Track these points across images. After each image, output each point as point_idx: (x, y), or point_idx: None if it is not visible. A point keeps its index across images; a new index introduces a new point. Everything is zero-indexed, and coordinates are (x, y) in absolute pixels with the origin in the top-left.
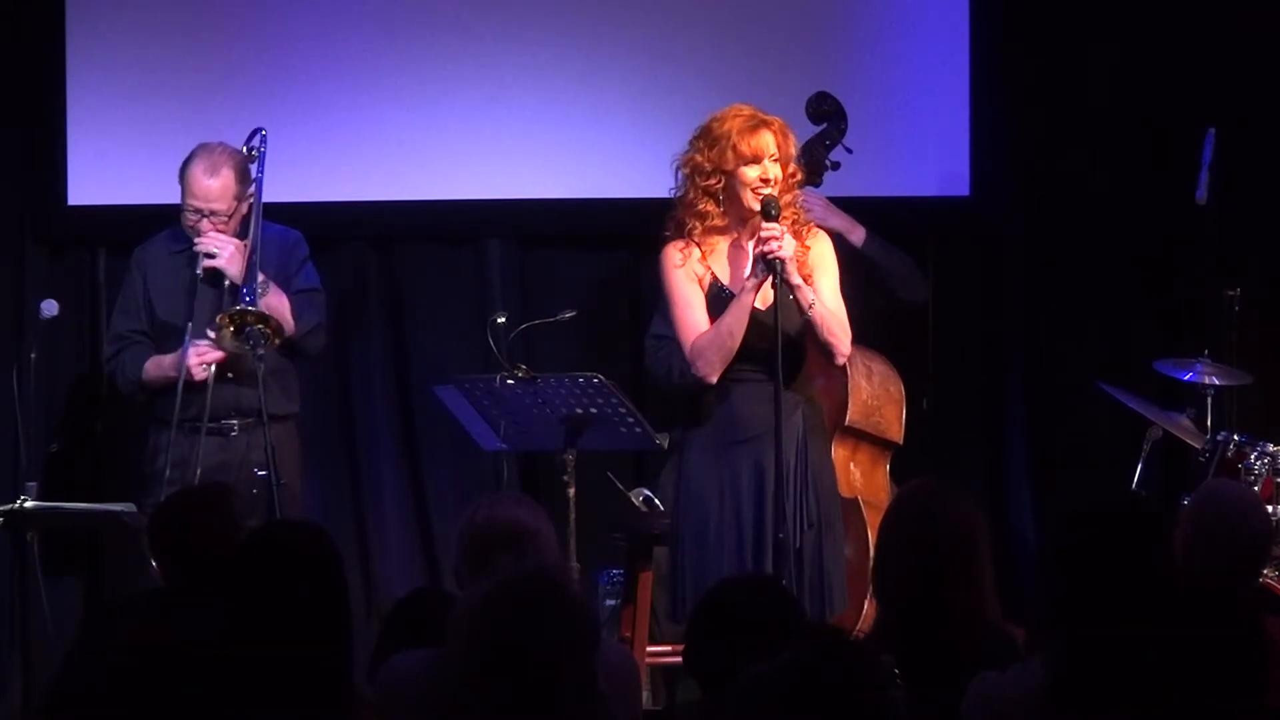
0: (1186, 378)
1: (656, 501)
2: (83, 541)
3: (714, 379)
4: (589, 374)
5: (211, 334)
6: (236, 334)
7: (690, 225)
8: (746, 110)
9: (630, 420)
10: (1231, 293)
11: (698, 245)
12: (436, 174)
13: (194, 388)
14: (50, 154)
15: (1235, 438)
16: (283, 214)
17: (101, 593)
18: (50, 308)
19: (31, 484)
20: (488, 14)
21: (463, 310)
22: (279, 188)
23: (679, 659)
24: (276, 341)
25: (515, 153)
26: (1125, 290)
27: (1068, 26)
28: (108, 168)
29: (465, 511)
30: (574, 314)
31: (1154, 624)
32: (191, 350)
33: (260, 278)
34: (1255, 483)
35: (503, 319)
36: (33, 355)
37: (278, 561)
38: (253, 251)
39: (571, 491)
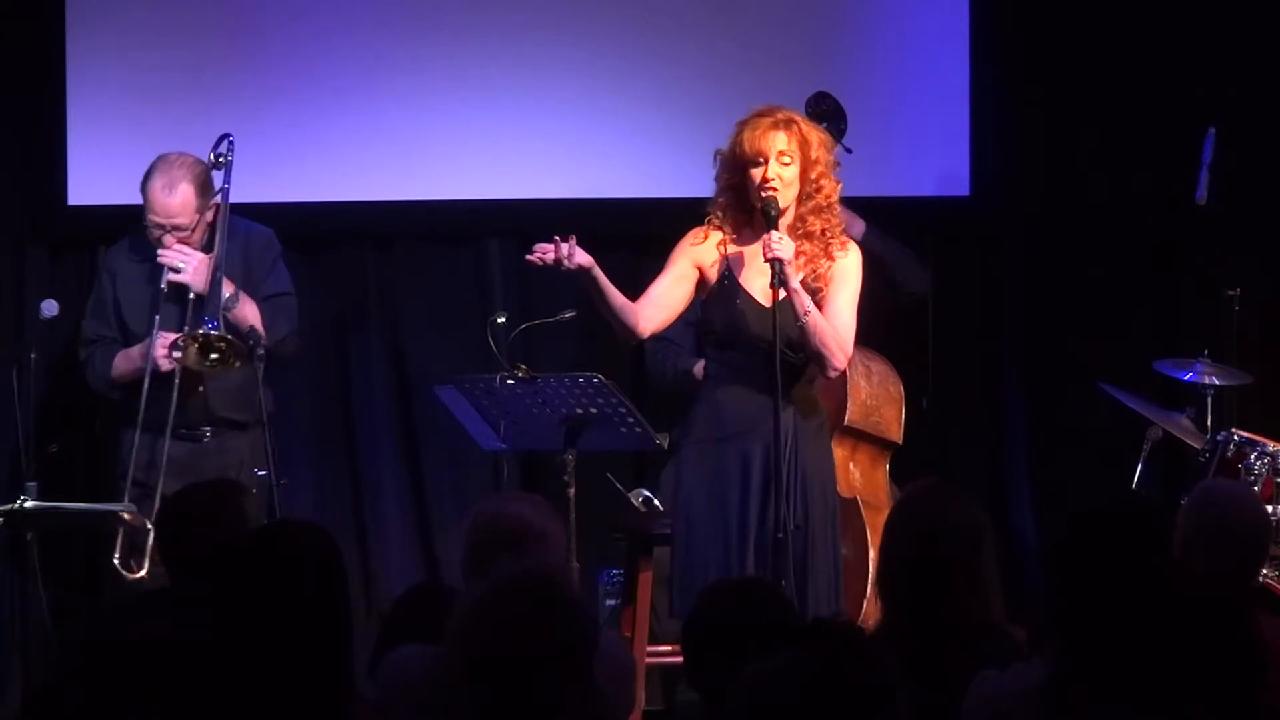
0: (1186, 378)
1: (656, 502)
2: (83, 541)
3: (625, 340)
4: (589, 374)
5: (178, 353)
6: (201, 351)
7: (711, 215)
8: (773, 111)
9: (630, 420)
10: (1231, 293)
11: (719, 236)
12: (436, 174)
13: (162, 385)
14: (50, 154)
15: (1235, 438)
16: (283, 214)
17: (101, 593)
18: (50, 308)
19: (31, 484)
20: (488, 14)
21: (463, 310)
22: (280, 187)
23: (679, 659)
24: (236, 364)
25: (515, 153)
26: (1125, 290)
27: (1068, 26)
28: (108, 168)
29: (473, 508)
30: (574, 314)
31: (1153, 624)
32: (158, 339)
33: (230, 290)
34: (1255, 483)
35: (503, 319)
36: (33, 355)
37: (279, 561)
38: (217, 267)
39: (571, 491)
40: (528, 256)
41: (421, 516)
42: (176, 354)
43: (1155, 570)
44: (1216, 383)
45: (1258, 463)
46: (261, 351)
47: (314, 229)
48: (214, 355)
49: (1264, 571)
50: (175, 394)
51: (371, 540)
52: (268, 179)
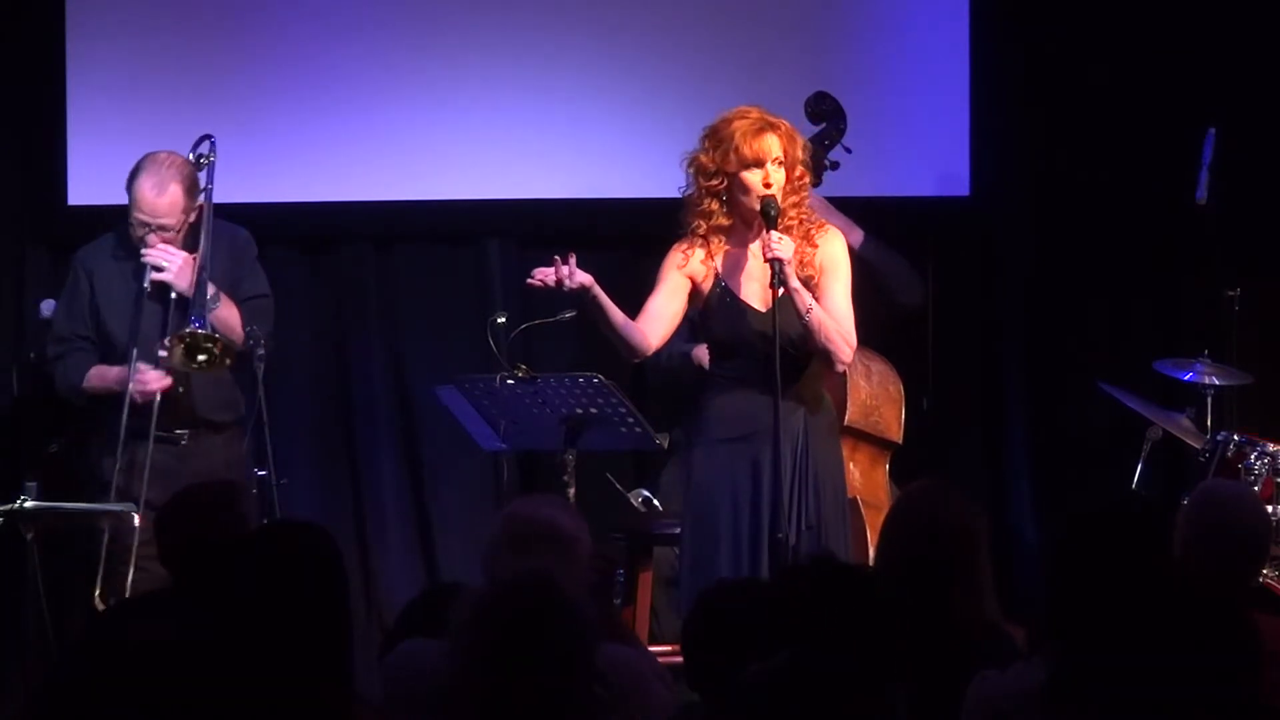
0: (1186, 378)
1: (656, 502)
2: (83, 542)
3: (630, 358)
4: (589, 374)
5: (163, 353)
6: (188, 353)
7: (696, 224)
8: (753, 113)
9: (630, 420)
10: (1231, 293)
11: (705, 245)
12: (436, 174)
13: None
14: (50, 154)
15: (1235, 438)
16: (283, 214)
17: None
18: (50, 308)
19: (31, 484)
20: (488, 14)
21: (463, 310)
22: (279, 187)
23: (679, 659)
24: (227, 362)
25: (515, 153)
26: (1125, 290)
27: (1067, 26)
28: (108, 168)
29: (506, 507)
30: (574, 314)
31: (1153, 624)
32: (138, 377)
33: (211, 290)
34: (1255, 483)
35: (503, 319)
36: (32, 355)
37: (280, 561)
38: (202, 268)
39: (571, 491)
40: (528, 281)
41: (421, 516)
42: (162, 353)
43: (1155, 570)
44: (1216, 383)
45: (1258, 463)
46: (261, 351)
47: (314, 229)
48: (202, 356)
49: (1264, 571)
50: (156, 400)
51: (371, 540)
52: (267, 179)
